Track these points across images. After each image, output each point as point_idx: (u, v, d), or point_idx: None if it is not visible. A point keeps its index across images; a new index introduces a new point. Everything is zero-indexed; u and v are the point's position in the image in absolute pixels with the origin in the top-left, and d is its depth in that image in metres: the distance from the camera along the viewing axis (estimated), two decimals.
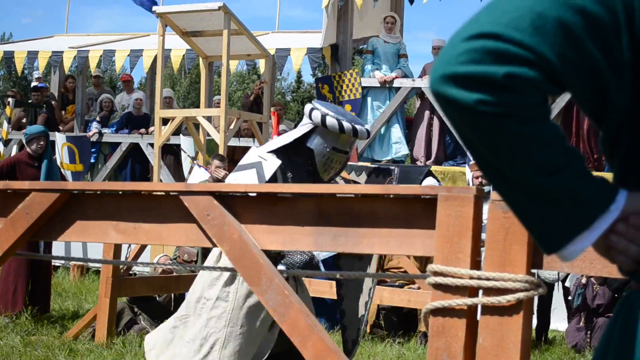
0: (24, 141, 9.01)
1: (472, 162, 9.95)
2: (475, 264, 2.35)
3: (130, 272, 8.52)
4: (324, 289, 8.30)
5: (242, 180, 4.31)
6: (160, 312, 8.21)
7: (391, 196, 2.58)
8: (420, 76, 12.25)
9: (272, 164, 4.39)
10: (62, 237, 3.08)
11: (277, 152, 4.48)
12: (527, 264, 2.28)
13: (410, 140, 12.17)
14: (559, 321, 9.29)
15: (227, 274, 4.40)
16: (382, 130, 11.94)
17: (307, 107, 4.63)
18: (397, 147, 11.94)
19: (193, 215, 2.82)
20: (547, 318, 9.10)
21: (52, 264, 12.48)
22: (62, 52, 14.60)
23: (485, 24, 1.34)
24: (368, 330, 8.83)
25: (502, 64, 1.31)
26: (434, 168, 11.19)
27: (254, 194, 2.84)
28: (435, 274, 2.37)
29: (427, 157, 11.86)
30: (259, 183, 4.25)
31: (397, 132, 11.97)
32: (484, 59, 1.32)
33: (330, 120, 4.46)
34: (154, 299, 8.31)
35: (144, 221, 2.96)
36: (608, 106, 1.43)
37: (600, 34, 1.36)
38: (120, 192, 3.05)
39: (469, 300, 2.30)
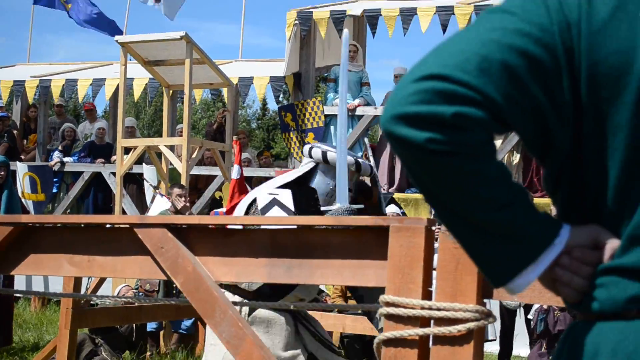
0: None
1: None
2: (427, 294, 2.37)
3: (92, 303, 8.42)
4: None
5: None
6: (121, 342, 8.15)
7: (346, 227, 2.59)
8: (383, 104, 12.32)
9: (287, 194, 4.25)
10: (16, 271, 3.06)
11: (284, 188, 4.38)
12: (478, 293, 2.30)
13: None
14: (521, 347, 9.33)
15: None
16: None
17: (306, 147, 4.56)
18: None
19: (147, 248, 2.82)
20: (509, 344, 9.14)
21: (14, 296, 12.37)
22: (24, 81, 14.52)
23: (433, 66, 1.39)
24: None
25: (451, 104, 1.36)
26: (396, 195, 11.25)
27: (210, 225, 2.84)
28: (387, 304, 2.38)
29: (390, 184, 11.92)
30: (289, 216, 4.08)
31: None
32: (433, 99, 1.36)
33: (332, 155, 4.39)
34: (115, 329, 8.24)
35: (99, 254, 2.94)
36: (551, 146, 1.48)
37: (542, 76, 1.41)
38: (79, 225, 3.04)
39: (420, 331, 2.32)
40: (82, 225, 3.00)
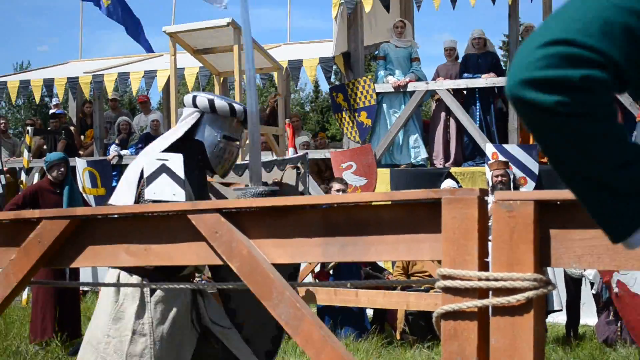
0: (44, 169, 9.08)
1: (492, 161, 9.91)
2: (484, 266, 2.33)
3: None
4: (350, 297, 8.28)
5: (162, 192, 3.96)
6: None
7: (398, 202, 2.56)
8: (434, 78, 12.22)
9: (177, 161, 3.97)
10: (74, 263, 3.09)
11: (169, 150, 4.09)
12: (535, 262, 2.26)
13: (428, 143, 12.14)
14: (588, 316, 9.22)
15: (128, 309, 4.01)
16: (400, 135, 11.92)
17: (187, 97, 4.31)
18: (416, 151, 11.92)
19: (202, 234, 2.83)
20: (576, 313, 9.04)
21: (81, 289, 12.59)
22: (77, 77, 14.70)
23: (557, 31, 1.46)
24: (398, 337, 8.80)
25: (578, 67, 1.43)
26: (453, 169, 11.16)
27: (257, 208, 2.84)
28: (444, 277, 2.36)
29: (446, 159, 11.83)
30: (177, 185, 3.93)
31: (414, 136, 11.96)
32: (560, 64, 1.44)
33: (220, 103, 4.20)
34: None
35: (155, 242, 2.96)
36: None
37: None
38: (133, 215, 3.06)
39: (479, 302, 2.29)
40: (136, 215, 3.01)
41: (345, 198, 2.66)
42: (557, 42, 1.45)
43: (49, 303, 8.69)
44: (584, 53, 1.43)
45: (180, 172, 3.96)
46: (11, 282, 3.11)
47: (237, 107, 4.25)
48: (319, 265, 8.66)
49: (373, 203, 2.60)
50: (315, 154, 13.02)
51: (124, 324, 4.02)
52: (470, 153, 11.78)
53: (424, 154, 11.95)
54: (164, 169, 3.98)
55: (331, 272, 9.04)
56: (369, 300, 8.22)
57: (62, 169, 8.76)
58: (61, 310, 8.77)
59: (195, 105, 4.25)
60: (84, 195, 11.95)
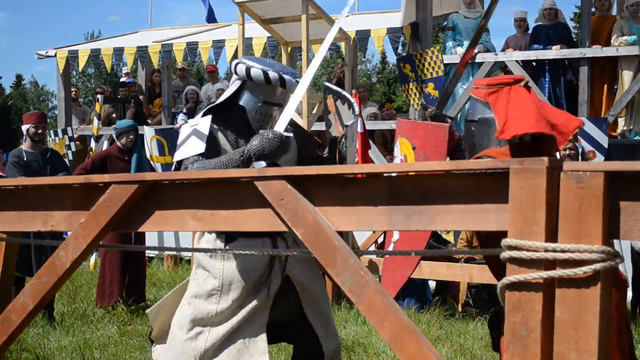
0: (114, 136, 9.22)
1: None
2: (551, 237, 2.31)
3: None
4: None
5: (186, 150, 4.19)
6: None
7: (465, 172, 2.55)
8: (503, 50, 12.06)
9: (205, 122, 4.22)
10: (142, 228, 3.13)
11: (212, 116, 4.31)
12: (603, 234, 2.23)
13: None
14: None
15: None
16: (467, 106, 11.81)
17: (233, 63, 4.45)
18: None
19: (268, 201, 2.84)
20: None
21: (147, 255, 12.80)
22: (146, 47, 14.84)
23: None
24: (460, 309, 8.78)
25: None
26: None
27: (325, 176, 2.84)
28: (510, 248, 2.34)
29: None
30: (201, 142, 4.14)
31: None
32: None
33: (255, 72, 4.29)
34: None
35: (221, 208, 2.98)
36: None
37: None
38: (200, 181, 3.08)
39: (544, 274, 2.27)
40: (204, 181, 3.04)
41: (412, 167, 2.65)
42: None
43: (116, 268, 8.84)
44: None
45: (205, 130, 4.18)
46: (80, 245, 3.17)
47: (272, 75, 4.29)
48: (382, 236, 8.65)
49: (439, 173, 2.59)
50: (381, 125, 12.96)
51: (200, 271, 4.33)
52: None
53: None
54: (194, 132, 4.23)
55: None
56: (431, 271, 8.20)
57: (131, 136, 8.88)
58: (128, 276, 8.92)
59: (236, 73, 4.39)
60: (152, 163, 12.10)
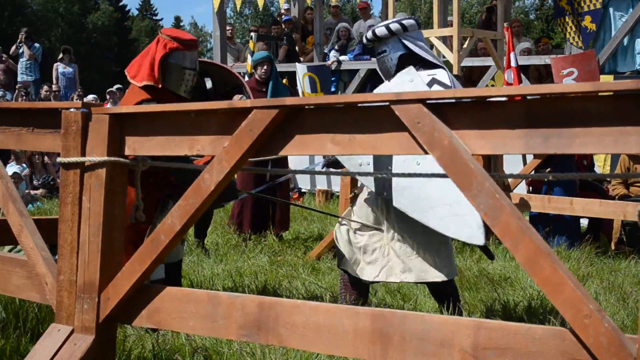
0: (252, 68, 9.38)
1: None
2: None
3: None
4: (564, 205, 8.09)
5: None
6: None
7: (602, 93, 2.47)
8: None
9: (443, 73, 4.88)
10: (283, 152, 3.19)
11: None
12: None
13: None
14: None
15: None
16: (625, 40, 11.35)
17: (378, 30, 5.13)
18: None
19: (404, 124, 2.85)
20: None
21: (301, 189, 13.04)
22: None
23: None
24: (613, 247, 8.55)
25: None
26: None
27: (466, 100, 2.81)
28: None
29: None
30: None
31: None
32: None
33: (409, 22, 5.12)
34: None
35: (359, 132, 3.01)
36: None
37: None
38: (337, 106, 3.11)
39: None
40: (343, 106, 3.07)
41: (551, 88, 2.59)
42: None
43: (248, 200, 8.98)
44: None
45: (447, 81, 4.89)
46: (224, 168, 3.26)
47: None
48: (532, 171, 8.49)
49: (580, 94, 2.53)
50: (534, 60, 12.64)
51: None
52: None
53: None
54: (435, 81, 4.90)
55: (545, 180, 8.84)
56: (584, 208, 8.00)
57: (266, 67, 8.98)
58: (272, 207, 9.08)
59: (391, 33, 5.11)
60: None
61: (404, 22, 5.05)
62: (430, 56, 5.06)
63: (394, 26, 4.99)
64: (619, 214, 7.82)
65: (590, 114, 2.49)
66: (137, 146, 3.57)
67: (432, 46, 10.69)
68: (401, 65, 4.98)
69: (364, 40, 5.29)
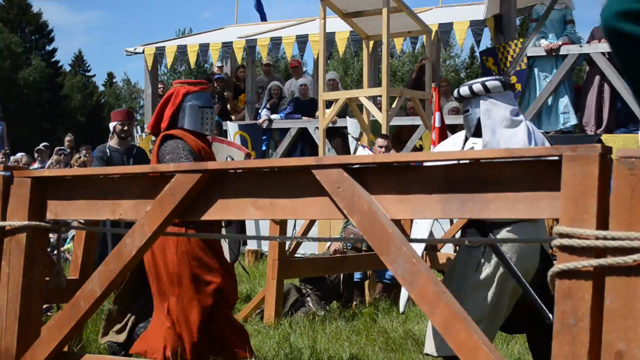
0: None
1: None
2: (603, 224, 2.28)
3: (296, 255, 8.65)
4: None
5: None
6: (329, 292, 8.30)
7: (518, 160, 2.53)
8: (589, 41, 11.83)
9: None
10: (205, 216, 3.19)
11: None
12: None
13: (579, 109, 11.78)
14: None
15: (492, 260, 4.61)
16: (550, 100, 11.62)
17: (463, 89, 4.92)
18: (565, 117, 11.60)
19: (325, 189, 2.87)
20: None
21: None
22: (231, 42, 15.00)
23: None
24: None
25: None
26: (604, 137, 10.80)
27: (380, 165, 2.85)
28: (561, 235, 2.32)
29: (598, 126, 11.44)
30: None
31: (564, 101, 11.63)
32: None
33: (491, 84, 4.84)
34: (324, 279, 8.33)
35: (281, 197, 3.03)
36: None
37: None
38: (260, 170, 3.13)
39: (594, 262, 2.24)
40: (264, 171, 3.09)
41: (466, 154, 2.64)
42: None
43: None
44: None
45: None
46: (146, 233, 3.25)
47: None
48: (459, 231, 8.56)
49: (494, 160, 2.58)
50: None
51: (480, 274, 4.73)
52: (623, 119, 11.36)
53: (573, 120, 11.60)
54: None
55: None
56: None
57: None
58: None
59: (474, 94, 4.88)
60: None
61: (486, 83, 4.85)
62: (501, 123, 4.80)
63: (476, 87, 4.82)
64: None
65: (505, 179, 2.54)
66: (60, 210, 3.54)
67: (361, 106, 10.81)
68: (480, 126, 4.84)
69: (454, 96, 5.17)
